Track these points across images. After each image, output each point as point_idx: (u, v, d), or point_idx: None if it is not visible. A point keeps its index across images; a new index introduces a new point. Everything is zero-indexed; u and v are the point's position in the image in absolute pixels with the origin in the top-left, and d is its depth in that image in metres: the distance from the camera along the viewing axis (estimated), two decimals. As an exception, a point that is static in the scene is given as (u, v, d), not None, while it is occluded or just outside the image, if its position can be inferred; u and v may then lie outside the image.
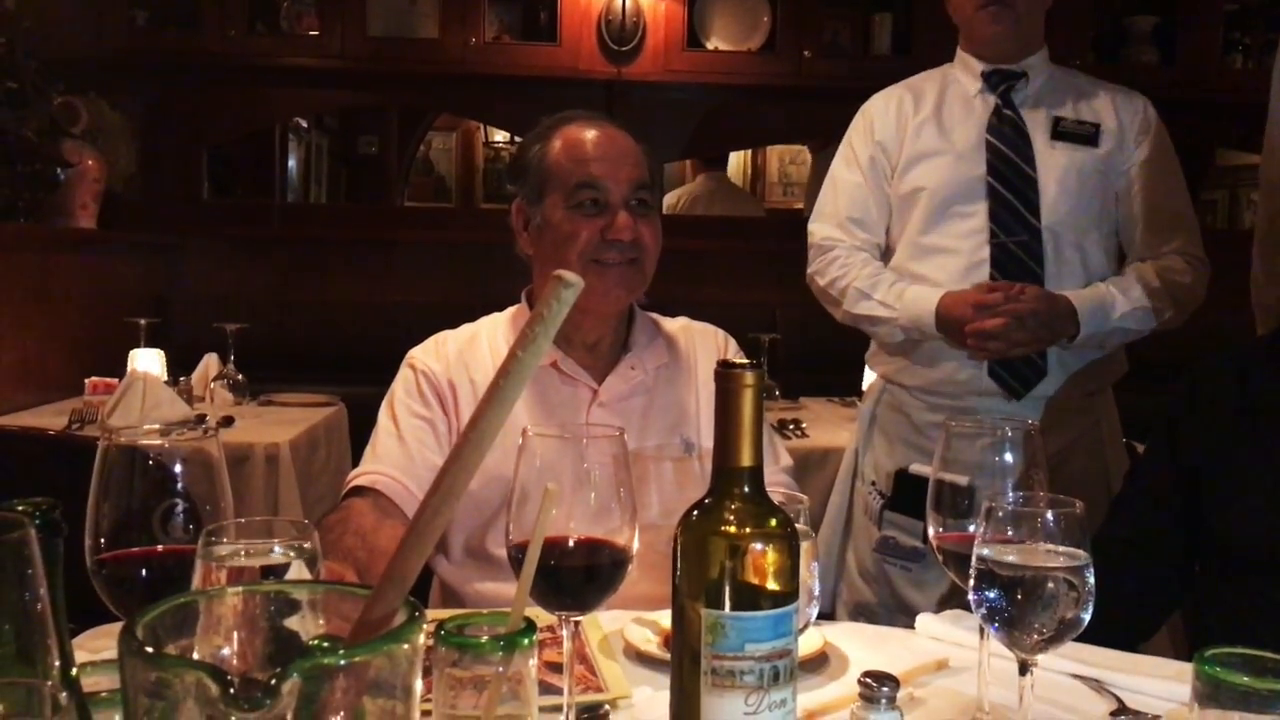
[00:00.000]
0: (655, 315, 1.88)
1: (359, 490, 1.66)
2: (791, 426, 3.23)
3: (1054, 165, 2.27)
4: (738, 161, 6.98)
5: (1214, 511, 1.57)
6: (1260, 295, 2.24)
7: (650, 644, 1.30)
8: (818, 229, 2.43)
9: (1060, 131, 2.30)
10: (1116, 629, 1.32)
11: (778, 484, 1.69)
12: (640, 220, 1.70)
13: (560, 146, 1.73)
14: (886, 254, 2.43)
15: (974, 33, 2.36)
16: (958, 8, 2.37)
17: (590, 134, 1.73)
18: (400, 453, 1.68)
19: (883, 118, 2.41)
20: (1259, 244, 2.26)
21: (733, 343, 1.90)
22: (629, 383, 1.76)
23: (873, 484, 2.39)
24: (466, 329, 1.83)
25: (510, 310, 1.86)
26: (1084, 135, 2.30)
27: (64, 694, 0.54)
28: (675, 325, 1.87)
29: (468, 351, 1.77)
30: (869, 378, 2.61)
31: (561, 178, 1.71)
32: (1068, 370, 2.27)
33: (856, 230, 2.39)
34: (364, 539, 1.52)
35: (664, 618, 1.13)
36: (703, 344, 1.85)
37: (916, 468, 2.19)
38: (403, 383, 1.77)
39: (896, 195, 2.38)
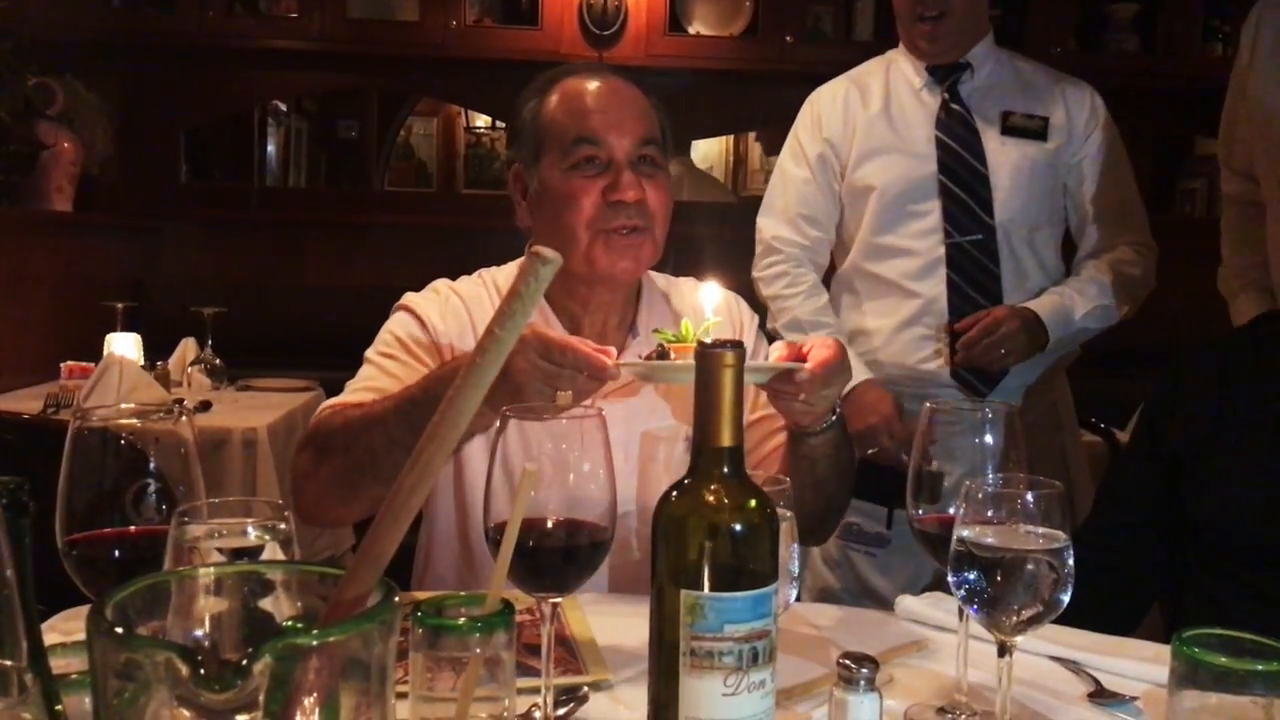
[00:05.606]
0: (665, 282, 1.74)
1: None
2: (772, 412, 3.23)
3: (1005, 161, 2.26)
4: (719, 148, 6.96)
5: (1193, 501, 1.58)
6: (1235, 283, 2.23)
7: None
8: (767, 225, 2.41)
9: (1010, 126, 2.29)
10: (1100, 620, 1.33)
11: None
12: (647, 181, 1.54)
13: (557, 100, 1.58)
14: (839, 251, 2.42)
15: (911, 42, 2.35)
16: (898, 11, 2.34)
17: (590, 85, 1.58)
18: (388, 385, 1.50)
19: (830, 113, 2.38)
20: (1231, 232, 2.25)
21: (745, 309, 1.75)
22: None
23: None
24: (468, 286, 1.67)
25: (510, 265, 1.71)
26: (1034, 129, 2.29)
27: (30, 675, 0.53)
28: (688, 298, 1.71)
29: (477, 313, 1.60)
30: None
31: (558, 134, 1.55)
32: (1029, 365, 2.28)
33: (807, 227, 2.38)
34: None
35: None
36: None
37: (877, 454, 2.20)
38: (402, 325, 1.59)
39: (847, 192, 2.36)
